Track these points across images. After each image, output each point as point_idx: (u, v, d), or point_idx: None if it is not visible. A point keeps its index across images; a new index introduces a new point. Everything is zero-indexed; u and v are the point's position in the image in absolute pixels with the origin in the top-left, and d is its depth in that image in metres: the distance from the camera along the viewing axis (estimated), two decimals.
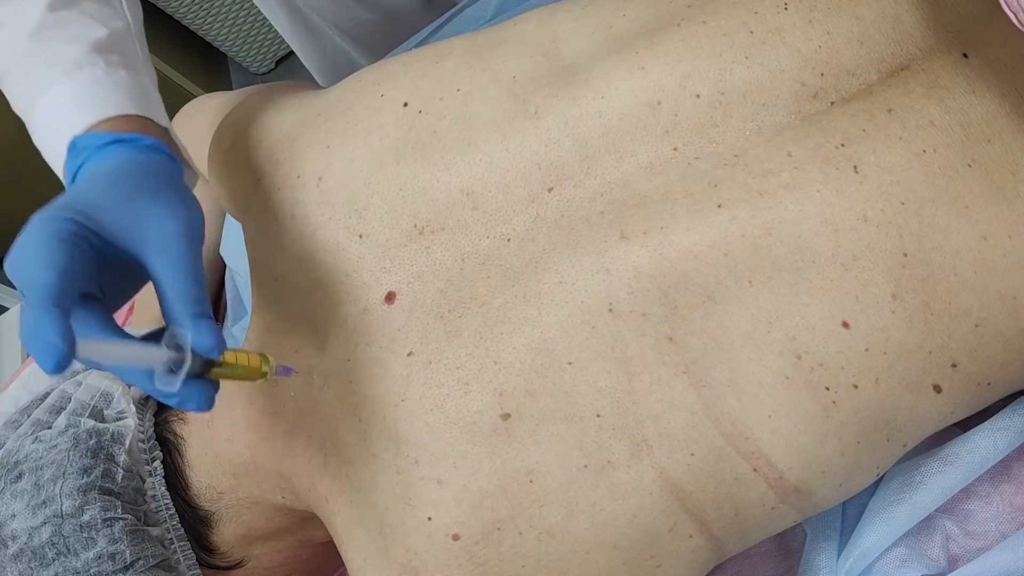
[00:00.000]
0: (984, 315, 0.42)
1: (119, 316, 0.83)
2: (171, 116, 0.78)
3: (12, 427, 0.55)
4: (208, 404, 0.38)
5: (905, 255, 0.42)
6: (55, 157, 0.46)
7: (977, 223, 0.42)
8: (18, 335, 1.62)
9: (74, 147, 0.43)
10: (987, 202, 0.42)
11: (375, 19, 0.89)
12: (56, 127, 0.45)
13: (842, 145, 0.44)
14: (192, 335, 0.37)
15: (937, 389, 0.43)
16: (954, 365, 0.43)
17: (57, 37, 0.48)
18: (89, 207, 0.39)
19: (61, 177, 0.46)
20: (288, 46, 2.02)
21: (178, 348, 0.37)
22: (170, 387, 0.37)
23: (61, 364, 0.32)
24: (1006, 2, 0.38)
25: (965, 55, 0.45)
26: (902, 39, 0.46)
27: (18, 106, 0.49)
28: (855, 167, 0.44)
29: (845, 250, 0.42)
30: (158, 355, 0.36)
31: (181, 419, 0.56)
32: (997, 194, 0.43)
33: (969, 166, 0.43)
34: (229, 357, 0.39)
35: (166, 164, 0.44)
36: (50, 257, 0.36)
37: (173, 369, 0.37)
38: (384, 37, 0.90)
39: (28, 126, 0.49)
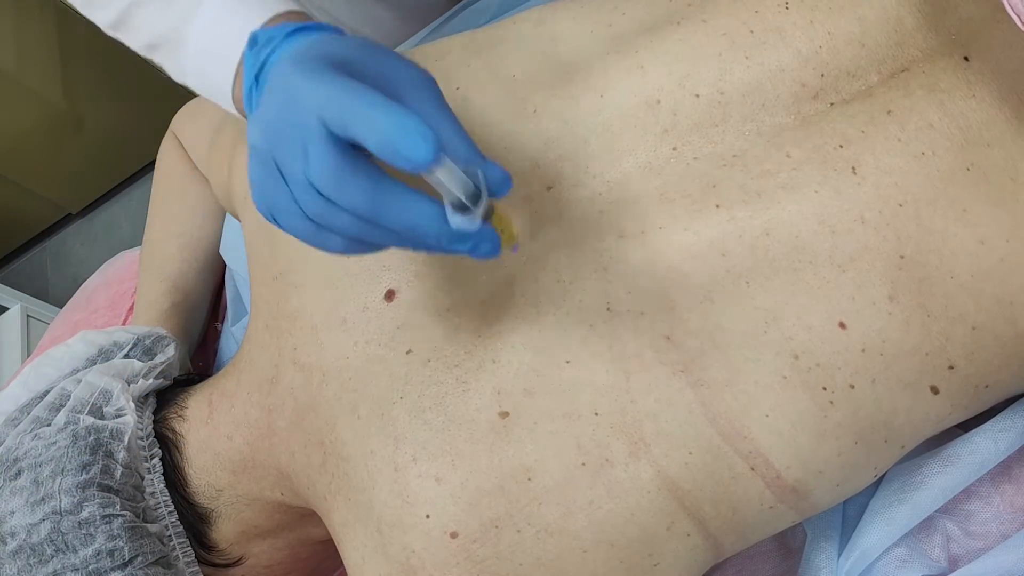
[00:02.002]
0: (981, 319, 0.42)
1: (119, 316, 0.83)
2: (171, 116, 0.79)
3: (11, 424, 0.55)
4: (498, 248, 0.36)
5: (902, 257, 0.42)
6: (219, 64, 0.43)
7: (975, 227, 0.42)
8: (20, 336, 1.60)
9: (255, 41, 0.40)
10: (985, 206, 0.42)
11: (389, 17, 0.88)
12: (223, 29, 0.42)
13: (841, 146, 0.44)
14: (484, 171, 0.34)
15: (935, 391, 0.43)
16: (951, 367, 0.43)
17: None
18: (336, 61, 0.35)
19: (217, 93, 0.44)
20: None
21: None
22: (469, 225, 0.34)
23: (437, 149, 0.30)
24: (1010, 5, 0.38)
25: (966, 58, 0.45)
26: (903, 41, 0.46)
27: (155, 30, 0.46)
28: (853, 168, 0.44)
29: (842, 251, 0.42)
30: (447, 187, 0.33)
31: (180, 416, 0.56)
32: (995, 198, 0.43)
33: (968, 170, 0.43)
34: (499, 208, 0.36)
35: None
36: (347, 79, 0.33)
37: (462, 209, 0.34)
38: (400, 35, 0.89)
39: (159, 50, 0.46)
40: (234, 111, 0.45)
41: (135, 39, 0.47)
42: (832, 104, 0.46)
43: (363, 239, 0.35)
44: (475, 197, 0.34)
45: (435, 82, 0.37)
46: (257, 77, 0.39)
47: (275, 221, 0.37)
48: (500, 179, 0.35)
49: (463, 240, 0.34)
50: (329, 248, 0.36)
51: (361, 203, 0.33)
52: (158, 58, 0.48)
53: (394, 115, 0.31)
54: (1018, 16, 0.38)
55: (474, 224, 0.34)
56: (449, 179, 0.33)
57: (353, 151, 0.33)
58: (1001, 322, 0.42)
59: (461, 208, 0.34)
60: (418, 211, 0.34)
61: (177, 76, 0.47)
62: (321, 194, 0.33)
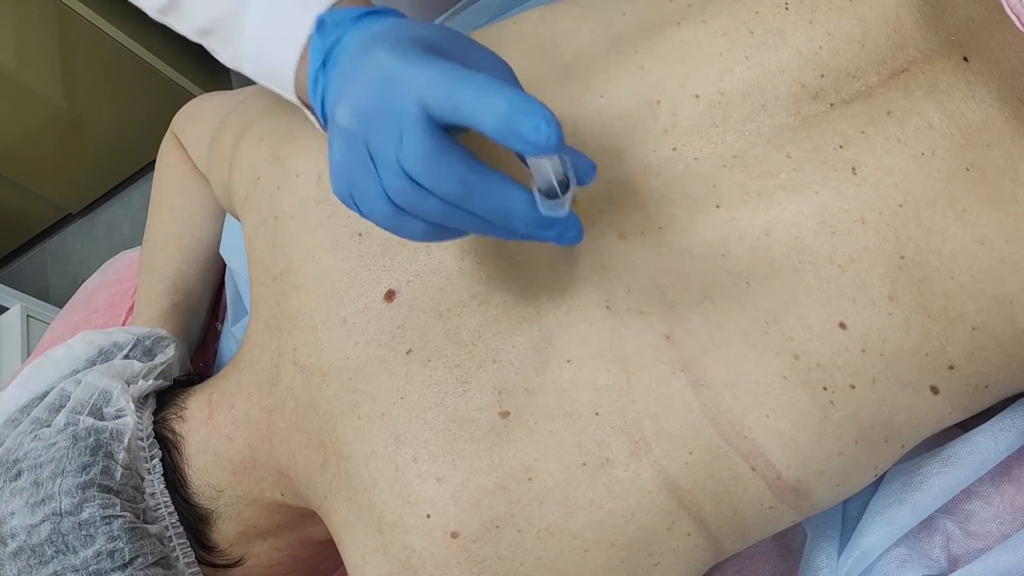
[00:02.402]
0: (981, 319, 0.42)
1: (119, 316, 0.83)
2: (171, 116, 0.79)
3: (11, 425, 0.55)
4: (581, 235, 0.36)
5: (902, 257, 0.42)
6: (281, 49, 0.42)
7: (974, 227, 0.42)
8: (20, 336, 1.60)
9: (323, 25, 0.40)
10: (985, 206, 0.42)
11: (404, 4, 0.87)
12: (285, 14, 0.42)
13: (841, 147, 0.44)
14: (571, 159, 0.34)
15: (934, 391, 0.43)
16: (951, 367, 0.43)
17: None
18: (427, 45, 0.35)
19: (275, 78, 0.43)
20: None
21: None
22: (558, 211, 0.34)
23: (559, 131, 0.30)
24: (1009, 5, 0.38)
25: (965, 59, 0.45)
26: (903, 42, 0.46)
27: (209, 15, 0.45)
28: (853, 169, 0.44)
29: (842, 252, 0.43)
30: (546, 172, 0.33)
31: (180, 417, 0.56)
32: (995, 199, 0.43)
33: (967, 170, 0.43)
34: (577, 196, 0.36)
35: None
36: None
37: (550, 195, 0.34)
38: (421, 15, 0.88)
39: (212, 35, 0.45)
40: (293, 98, 0.44)
41: (186, 24, 0.47)
42: (832, 105, 0.46)
43: (446, 225, 0.35)
44: (564, 184, 0.34)
45: (511, 69, 0.37)
46: (324, 62, 0.39)
47: (354, 205, 0.37)
48: (588, 168, 0.35)
49: (550, 226, 0.35)
50: (408, 234, 0.36)
51: (453, 187, 0.33)
52: (210, 43, 0.47)
53: (514, 98, 0.31)
54: (1017, 17, 0.38)
55: (563, 211, 0.34)
56: (549, 164, 0.33)
57: (447, 136, 0.33)
58: (1001, 322, 0.42)
59: (549, 195, 0.34)
60: (510, 197, 0.34)
61: (229, 61, 0.46)
62: (411, 178, 0.33)
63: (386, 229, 0.37)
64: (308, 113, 0.45)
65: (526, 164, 0.36)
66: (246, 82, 0.52)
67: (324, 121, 0.41)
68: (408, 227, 0.36)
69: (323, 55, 0.39)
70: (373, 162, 0.35)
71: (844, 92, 0.46)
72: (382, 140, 0.34)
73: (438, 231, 0.36)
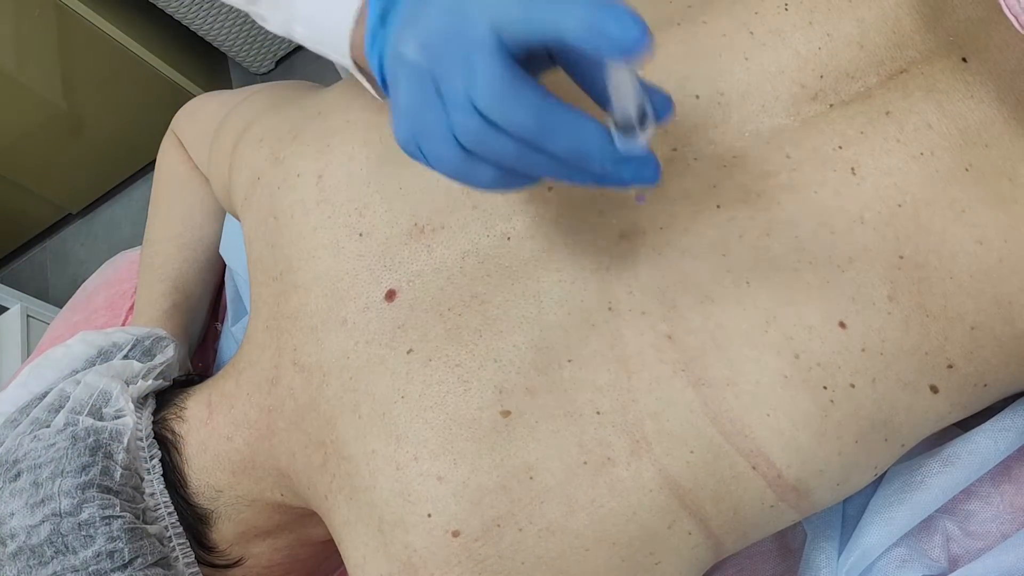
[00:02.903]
0: (980, 319, 0.42)
1: (119, 316, 0.83)
2: (171, 116, 0.79)
3: (11, 426, 0.55)
4: (659, 175, 0.34)
5: (901, 257, 0.42)
6: (337, 7, 0.41)
7: (973, 227, 0.42)
8: (20, 336, 1.61)
9: None
10: (984, 206, 0.42)
11: None
12: None
13: (840, 147, 0.45)
14: (652, 96, 0.32)
15: (934, 390, 0.43)
16: (950, 366, 0.43)
17: None
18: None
19: (330, 39, 0.42)
20: (288, 46, 2.03)
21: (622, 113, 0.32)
22: (637, 148, 0.32)
23: (649, 32, 0.28)
24: (1007, 6, 0.38)
25: (964, 59, 0.45)
26: (902, 42, 0.46)
27: None
28: (852, 169, 0.44)
29: (841, 252, 0.43)
30: (629, 91, 0.31)
31: (179, 417, 0.56)
32: (994, 199, 0.43)
33: (966, 170, 0.43)
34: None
35: None
36: None
37: (627, 132, 0.32)
38: None
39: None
40: (347, 61, 0.42)
41: None
42: (831, 105, 0.46)
43: (518, 168, 0.33)
44: (642, 120, 0.32)
45: None
46: (383, 16, 0.36)
47: (420, 152, 0.35)
48: (666, 103, 0.33)
49: (627, 164, 0.33)
50: (477, 181, 0.34)
51: (527, 121, 0.31)
52: (258, 9, 0.45)
53: (593, 1, 0.28)
54: (1015, 17, 0.38)
55: (641, 147, 0.32)
56: (632, 85, 0.31)
57: (520, 67, 0.31)
58: (1000, 322, 0.43)
59: (626, 130, 0.32)
60: (587, 131, 0.32)
61: (279, 27, 0.44)
62: (482, 116, 0.31)
63: (454, 178, 0.35)
64: (362, 79, 0.43)
65: (603, 103, 0.34)
66: (246, 82, 0.52)
67: (383, 83, 0.39)
68: (478, 173, 0.34)
69: (381, 8, 0.36)
70: (442, 101, 0.32)
71: (843, 93, 0.46)
72: (451, 73, 0.32)
73: (509, 178, 0.34)
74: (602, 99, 0.35)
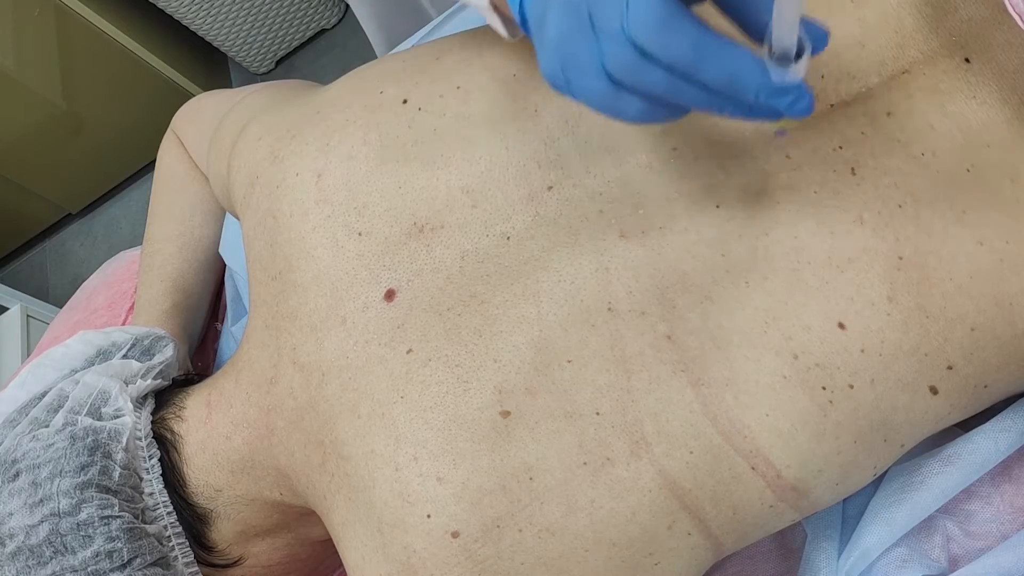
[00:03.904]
0: (980, 320, 0.42)
1: (119, 316, 0.83)
2: (171, 116, 0.79)
3: (10, 426, 0.55)
4: (813, 106, 0.33)
5: (901, 258, 0.42)
6: None
7: (974, 228, 0.42)
8: (20, 336, 1.62)
9: None
10: (985, 207, 0.42)
11: None
12: None
13: (840, 147, 0.44)
14: (808, 28, 0.32)
15: (933, 391, 0.43)
16: (950, 367, 0.43)
17: None
18: None
19: None
20: (288, 46, 2.03)
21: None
22: (792, 78, 0.32)
23: None
24: (1011, 4, 0.38)
25: (967, 60, 0.45)
26: (904, 43, 0.46)
27: None
28: (852, 169, 0.44)
29: (840, 252, 0.42)
30: (791, 23, 0.31)
31: (179, 417, 0.56)
32: (995, 200, 0.43)
33: (968, 171, 0.43)
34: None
35: None
36: None
37: (780, 61, 0.32)
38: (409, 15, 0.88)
39: None
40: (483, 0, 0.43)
41: None
42: (832, 105, 0.46)
43: (668, 99, 0.34)
44: (799, 52, 0.33)
45: None
46: None
47: (566, 83, 0.35)
48: (821, 35, 0.33)
49: (782, 96, 0.33)
50: (624, 113, 0.35)
51: (683, 52, 0.31)
52: None
53: None
54: (1019, 16, 0.38)
55: (797, 78, 0.32)
56: (797, 17, 0.31)
57: (677, 1, 0.32)
58: (1000, 323, 0.42)
59: (782, 62, 0.33)
60: (742, 61, 0.32)
61: None
62: (636, 48, 0.32)
63: (599, 109, 0.35)
64: (496, 20, 0.44)
65: (755, 35, 0.34)
66: (246, 82, 0.52)
67: (522, 19, 0.39)
68: (625, 105, 0.34)
69: None
70: (594, 32, 0.33)
71: (844, 93, 0.46)
72: (607, 5, 0.32)
73: (655, 110, 0.34)
74: (754, 31, 0.35)
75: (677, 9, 0.31)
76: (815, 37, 0.33)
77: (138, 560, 0.50)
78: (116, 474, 0.51)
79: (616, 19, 0.32)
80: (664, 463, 0.41)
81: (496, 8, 0.44)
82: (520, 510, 0.41)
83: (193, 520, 0.53)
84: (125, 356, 0.61)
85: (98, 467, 0.51)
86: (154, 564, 0.50)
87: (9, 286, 1.77)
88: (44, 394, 0.56)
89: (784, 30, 0.32)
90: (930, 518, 0.52)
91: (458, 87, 0.51)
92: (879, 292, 0.42)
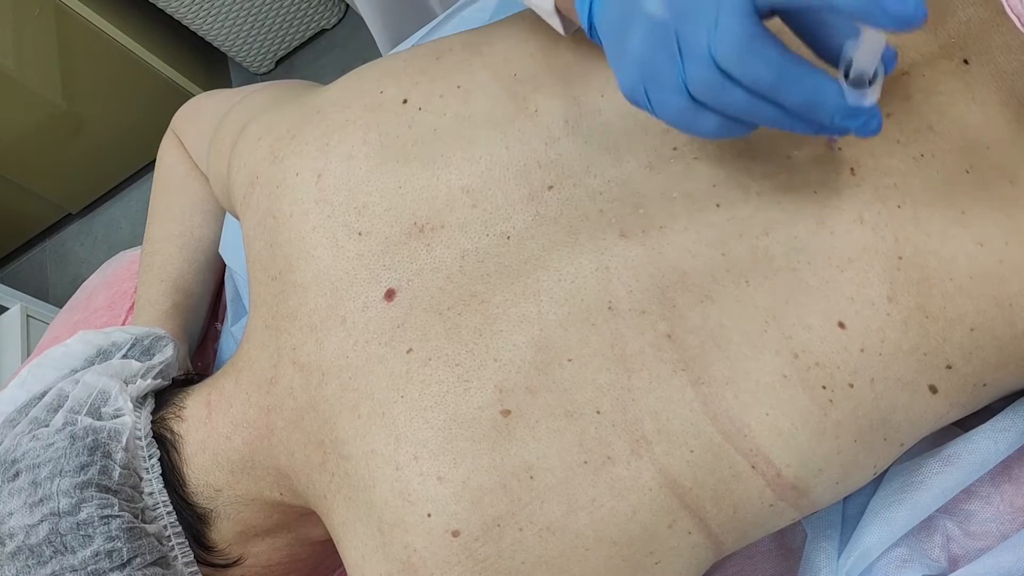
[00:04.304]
0: (979, 320, 0.42)
1: (119, 316, 0.83)
2: (171, 116, 0.79)
3: (10, 425, 0.55)
4: (881, 126, 0.35)
5: (901, 258, 0.42)
6: None
7: (974, 229, 0.42)
8: (20, 336, 1.62)
9: None
10: (984, 208, 0.43)
11: None
12: None
13: (840, 148, 0.45)
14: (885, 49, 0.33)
15: (933, 390, 0.43)
16: (949, 367, 0.43)
17: None
18: None
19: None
20: (288, 46, 2.03)
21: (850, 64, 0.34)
22: (866, 101, 0.34)
23: (922, 7, 0.29)
24: (1010, 6, 0.38)
25: (966, 61, 0.45)
26: (903, 44, 0.46)
27: None
28: (852, 169, 0.44)
29: (840, 252, 0.43)
30: (875, 54, 0.33)
31: (179, 417, 0.56)
32: (994, 201, 0.43)
33: (967, 172, 0.43)
34: None
35: None
36: None
37: (856, 84, 0.34)
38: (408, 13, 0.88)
39: None
40: (548, 4, 0.44)
41: None
42: None
43: (744, 118, 0.35)
44: (873, 76, 0.34)
45: None
46: None
47: (646, 100, 0.37)
48: (891, 56, 0.35)
49: (855, 117, 0.34)
50: (700, 129, 0.37)
51: (766, 76, 0.33)
52: None
53: None
54: (1018, 18, 0.38)
55: (871, 100, 0.34)
56: (880, 48, 0.33)
57: (762, 24, 0.33)
58: (1000, 323, 0.43)
59: (857, 85, 0.34)
60: (822, 86, 0.34)
61: None
62: (719, 69, 0.33)
63: (677, 125, 0.37)
64: (557, 22, 0.45)
65: (828, 58, 0.36)
66: (246, 82, 0.52)
67: (590, 28, 0.40)
68: (702, 122, 0.36)
69: None
70: (680, 53, 0.34)
71: None
72: (695, 28, 0.33)
73: (731, 126, 0.36)
74: (828, 54, 0.37)
75: (761, 32, 0.33)
76: (886, 59, 0.35)
77: (138, 560, 0.50)
78: (116, 474, 0.51)
79: (703, 41, 0.33)
80: (664, 462, 0.41)
81: (559, 11, 0.45)
82: (521, 509, 0.41)
83: (193, 520, 0.53)
84: (125, 356, 0.61)
85: (98, 467, 0.51)
86: (154, 564, 0.50)
87: (9, 286, 1.77)
88: (44, 394, 0.56)
89: (866, 58, 0.34)
90: (930, 518, 0.52)
91: (458, 87, 0.51)
92: (879, 292, 0.42)
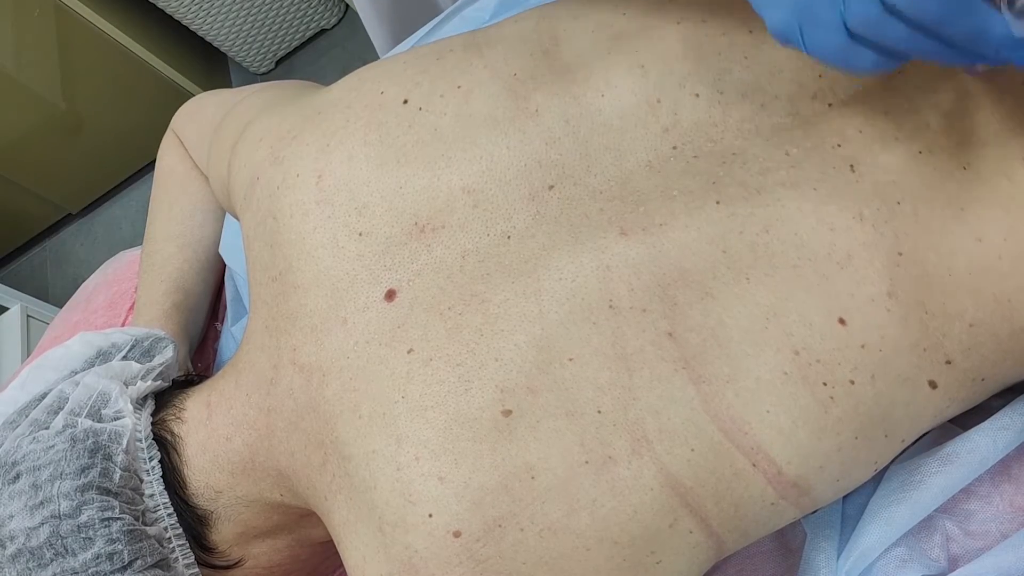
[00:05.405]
0: (978, 316, 0.42)
1: (119, 316, 0.83)
2: (171, 116, 0.79)
3: (10, 427, 0.55)
4: None
5: (900, 254, 0.42)
6: None
7: (972, 225, 0.42)
8: (20, 336, 1.62)
9: None
10: (982, 205, 0.43)
11: None
12: None
13: (839, 145, 0.45)
14: None
15: (932, 385, 0.44)
16: (948, 362, 0.43)
17: None
18: None
19: None
20: (288, 46, 2.03)
21: None
22: None
23: None
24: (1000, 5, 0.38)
25: None
26: None
27: None
28: (851, 166, 0.44)
29: (840, 248, 0.43)
30: None
31: (179, 418, 0.56)
32: (992, 197, 0.43)
33: (965, 168, 0.43)
34: None
35: None
36: None
37: (1020, 15, 0.33)
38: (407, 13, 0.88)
39: None
40: None
41: None
42: (830, 104, 0.46)
43: (905, 52, 0.35)
44: None
45: None
46: None
47: (799, 37, 0.37)
48: None
49: (1021, 47, 0.34)
50: (855, 64, 0.36)
51: (932, 9, 0.33)
52: None
53: None
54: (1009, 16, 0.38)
55: None
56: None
57: None
58: (999, 319, 0.43)
59: (1020, 15, 0.34)
60: (985, 17, 0.33)
61: None
62: (883, 4, 0.33)
63: (831, 61, 0.37)
64: None
65: None
66: (246, 82, 0.52)
67: None
68: (858, 58, 0.36)
69: None
70: None
71: (842, 92, 0.46)
72: None
73: (886, 61, 0.36)
74: None
75: None
76: None
77: (139, 562, 0.50)
78: (116, 476, 0.51)
79: None
80: (665, 461, 0.41)
81: None
82: (522, 509, 0.41)
83: (193, 522, 0.53)
84: (125, 357, 0.61)
85: (98, 469, 0.51)
86: (155, 566, 0.50)
87: (9, 286, 1.77)
88: (44, 395, 0.56)
89: None
90: (929, 517, 0.52)
91: (459, 87, 0.51)
92: (879, 288, 0.42)
